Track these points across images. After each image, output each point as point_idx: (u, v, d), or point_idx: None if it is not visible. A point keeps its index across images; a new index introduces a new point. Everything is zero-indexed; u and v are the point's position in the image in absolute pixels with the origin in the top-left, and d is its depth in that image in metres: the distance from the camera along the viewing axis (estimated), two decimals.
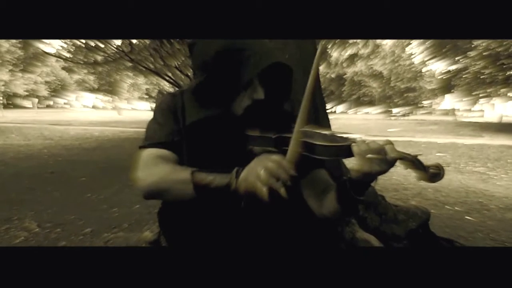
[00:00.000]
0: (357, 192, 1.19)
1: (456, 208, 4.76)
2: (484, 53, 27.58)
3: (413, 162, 1.10)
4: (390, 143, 1.09)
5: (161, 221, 1.51)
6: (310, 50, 3.02)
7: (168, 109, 1.39)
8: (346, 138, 1.17)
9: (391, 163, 1.08)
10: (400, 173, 7.09)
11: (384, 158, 1.07)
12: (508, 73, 27.16)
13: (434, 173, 1.10)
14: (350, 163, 1.28)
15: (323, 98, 3.39)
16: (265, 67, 1.30)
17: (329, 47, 17.57)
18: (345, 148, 1.14)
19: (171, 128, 1.35)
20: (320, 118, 3.09)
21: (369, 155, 1.07)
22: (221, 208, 1.28)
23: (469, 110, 48.62)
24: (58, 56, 21.12)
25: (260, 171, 1.02)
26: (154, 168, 1.24)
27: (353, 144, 1.12)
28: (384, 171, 1.09)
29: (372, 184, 1.20)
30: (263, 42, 1.40)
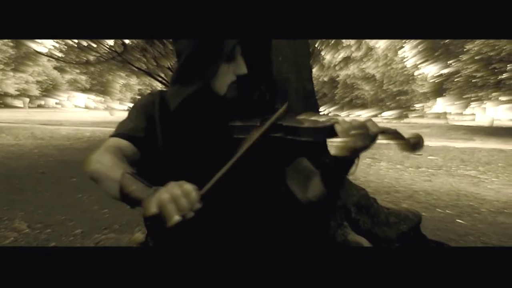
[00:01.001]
0: (342, 171, 1.24)
1: (447, 211, 4.79)
2: (476, 57, 27.77)
3: (394, 134, 1.17)
4: (371, 119, 1.14)
5: (146, 223, 1.50)
6: (304, 52, 3.03)
7: (142, 107, 1.41)
8: (328, 120, 1.21)
9: (373, 138, 1.14)
10: (392, 176, 7.13)
11: (367, 133, 1.13)
12: (499, 77, 27.37)
13: (414, 143, 1.17)
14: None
15: (317, 101, 3.40)
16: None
17: (322, 48, 17.63)
18: (328, 127, 1.18)
19: (139, 124, 1.35)
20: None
21: (353, 132, 1.13)
22: (206, 209, 1.28)
23: (461, 114, 48.92)
24: (50, 55, 20.99)
25: (163, 194, 0.98)
26: (103, 155, 1.22)
27: (336, 123, 1.16)
28: (367, 146, 1.14)
29: (351, 174, 1.25)
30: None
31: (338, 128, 1.15)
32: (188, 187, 0.99)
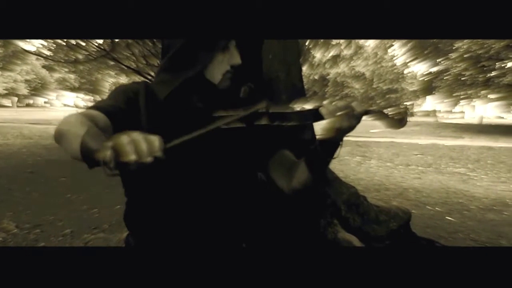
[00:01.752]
0: (328, 153, 1.27)
1: (437, 208, 4.82)
2: (465, 55, 27.94)
3: (378, 114, 1.20)
4: (356, 100, 1.17)
5: (128, 224, 1.49)
6: (294, 50, 3.03)
7: (122, 91, 1.37)
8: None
9: (358, 118, 1.17)
10: (382, 174, 7.16)
11: (352, 113, 1.15)
12: (488, 75, 27.56)
13: (399, 119, 1.20)
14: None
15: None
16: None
17: (311, 47, 17.66)
18: (313, 111, 1.20)
19: (117, 104, 1.30)
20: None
21: (338, 113, 1.15)
22: (187, 205, 1.28)
23: (450, 112, 49.25)
24: (38, 54, 20.79)
25: (122, 136, 0.92)
26: (73, 117, 1.16)
27: (320, 107, 1.18)
28: (353, 126, 1.18)
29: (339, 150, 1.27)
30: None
31: (323, 110, 1.17)
32: (152, 136, 0.94)
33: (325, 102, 1.18)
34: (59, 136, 1.14)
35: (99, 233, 3.48)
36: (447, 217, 4.39)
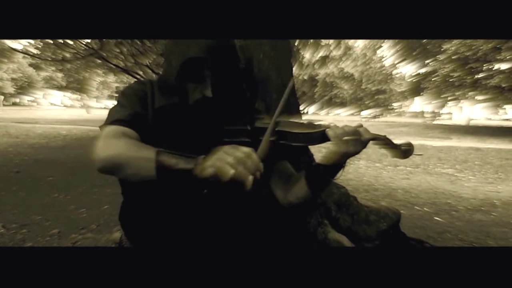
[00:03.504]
0: (330, 174, 1.30)
1: (425, 209, 4.84)
2: (453, 57, 28.21)
3: (385, 141, 1.23)
4: (362, 126, 1.20)
5: (123, 224, 1.48)
6: (285, 49, 3.03)
7: (134, 94, 1.38)
8: (319, 125, 1.25)
9: (365, 144, 1.20)
10: (371, 175, 7.20)
11: (359, 139, 1.18)
12: (476, 76, 27.85)
13: (405, 149, 1.26)
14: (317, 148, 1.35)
15: (297, 99, 3.41)
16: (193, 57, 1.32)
17: (300, 47, 17.70)
18: (320, 133, 1.22)
19: (135, 110, 1.32)
20: (294, 118, 3.10)
21: (346, 137, 1.17)
22: (184, 206, 1.28)
23: (438, 113, 49.68)
24: (25, 52, 20.60)
25: (229, 158, 0.98)
26: (116, 141, 1.17)
27: (327, 129, 1.20)
28: (358, 151, 1.21)
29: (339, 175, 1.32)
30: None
31: (330, 133, 1.20)
32: (246, 149, 1.01)
33: (332, 124, 1.22)
34: (118, 163, 1.13)
35: (87, 233, 3.45)
36: (435, 218, 4.41)
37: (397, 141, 1.26)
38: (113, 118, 1.28)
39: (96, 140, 1.20)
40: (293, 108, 3.14)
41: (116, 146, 1.15)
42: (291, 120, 1.30)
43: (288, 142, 1.24)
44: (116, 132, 1.22)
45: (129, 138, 1.20)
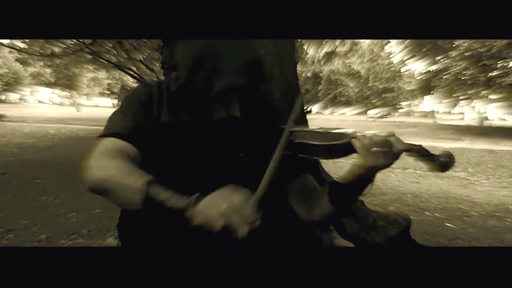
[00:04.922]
0: (357, 191, 1.19)
1: (436, 214, 4.83)
2: (465, 54, 28.16)
3: (420, 152, 1.09)
4: (394, 134, 1.07)
5: (121, 234, 1.46)
6: (288, 45, 3.03)
7: (139, 101, 1.30)
8: (342, 134, 1.12)
9: (397, 156, 1.07)
10: (378, 178, 7.16)
11: (390, 150, 1.06)
12: (489, 74, 27.81)
13: (444, 162, 1.09)
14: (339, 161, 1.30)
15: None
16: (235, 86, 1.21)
17: (304, 43, 17.70)
18: (344, 145, 1.10)
19: (138, 121, 1.25)
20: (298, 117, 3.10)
21: (374, 149, 1.05)
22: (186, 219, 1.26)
23: (449, 113, 49.59)
24: (11, 46, 20.54)
25: (223, 205, 0.96)
26: (109, 161, 1.14)
27: (353, 139, 1.09)
28: (389, 164, 1.08)
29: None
30: (240, 53, 1.31)
31: (357, 144, 1.08)
32: (243, 194, 0.98)
33: (359, 134, 1.10)
34: (104, 187, 1.12)
35: (77, 239, 3.44)
36: (447, 224, 4.41)
37: (433, 150, 1.14)
38: (112, 130, 1.24)
39: (91, 153, 1.18)
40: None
41: (108, 167, 1.12)
42: (308, 129, 1.21)
43: (307, 156, 1.15)
44: (112, 149, 1.18)
45: (123, 160, 1.14)
